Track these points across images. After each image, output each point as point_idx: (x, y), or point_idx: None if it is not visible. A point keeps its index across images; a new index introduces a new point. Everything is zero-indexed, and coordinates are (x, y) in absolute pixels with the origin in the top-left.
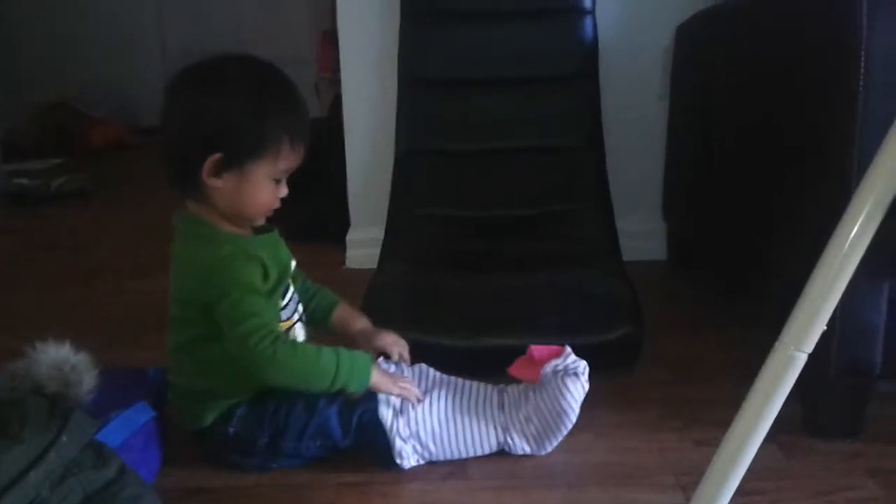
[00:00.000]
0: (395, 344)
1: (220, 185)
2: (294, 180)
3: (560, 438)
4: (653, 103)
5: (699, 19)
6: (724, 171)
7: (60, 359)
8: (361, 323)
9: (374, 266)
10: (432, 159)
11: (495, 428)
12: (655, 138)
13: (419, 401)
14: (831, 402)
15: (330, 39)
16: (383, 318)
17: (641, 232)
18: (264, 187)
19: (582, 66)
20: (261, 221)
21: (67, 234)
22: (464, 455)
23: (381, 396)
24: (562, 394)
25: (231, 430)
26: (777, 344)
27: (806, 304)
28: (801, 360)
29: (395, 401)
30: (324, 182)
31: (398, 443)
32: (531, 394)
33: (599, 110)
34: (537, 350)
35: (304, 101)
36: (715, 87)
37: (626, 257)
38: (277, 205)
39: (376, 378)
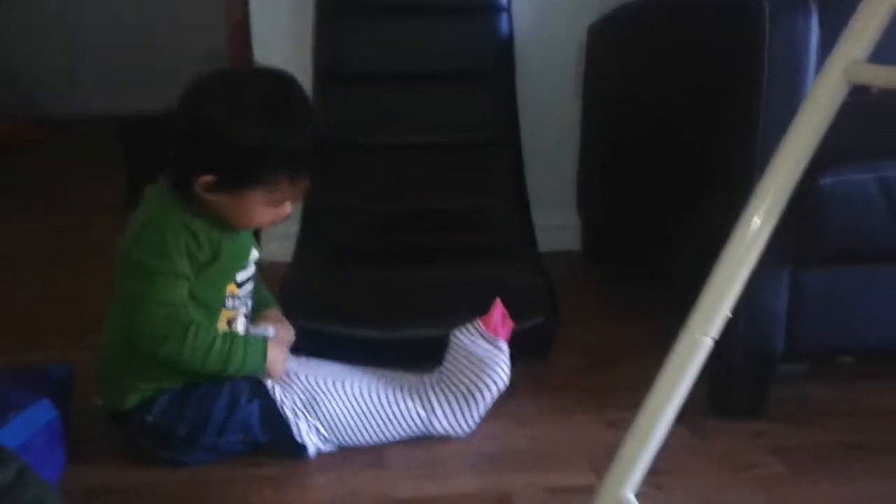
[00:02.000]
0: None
1: (213, 199)
2: None
3: (483, 408)
4: (569, 99)
5: (610, 18)
6: (634, 165)
7: None
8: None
9: (289, 259)
10: (348, 153)
11: (412, 407)
12: (571, 133)
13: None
14: (736, 385)
15: (243, 30)
16: (299, 311)
17: (557, 225)
18: (259, 210)
19: (498, 62)
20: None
21: None
22: (381, 440)
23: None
24: (490, 357)
25: (150, 418)
26: (683, 330)
27: (711, 291)
28: (707, 344)
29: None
30: None
31: (296, 426)
32: (454, 365)
33: (516, 105)
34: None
35: (317, 133)
36: (625, 85)
37: (542, 248)
38: (279, 221)
39: (270, 365)
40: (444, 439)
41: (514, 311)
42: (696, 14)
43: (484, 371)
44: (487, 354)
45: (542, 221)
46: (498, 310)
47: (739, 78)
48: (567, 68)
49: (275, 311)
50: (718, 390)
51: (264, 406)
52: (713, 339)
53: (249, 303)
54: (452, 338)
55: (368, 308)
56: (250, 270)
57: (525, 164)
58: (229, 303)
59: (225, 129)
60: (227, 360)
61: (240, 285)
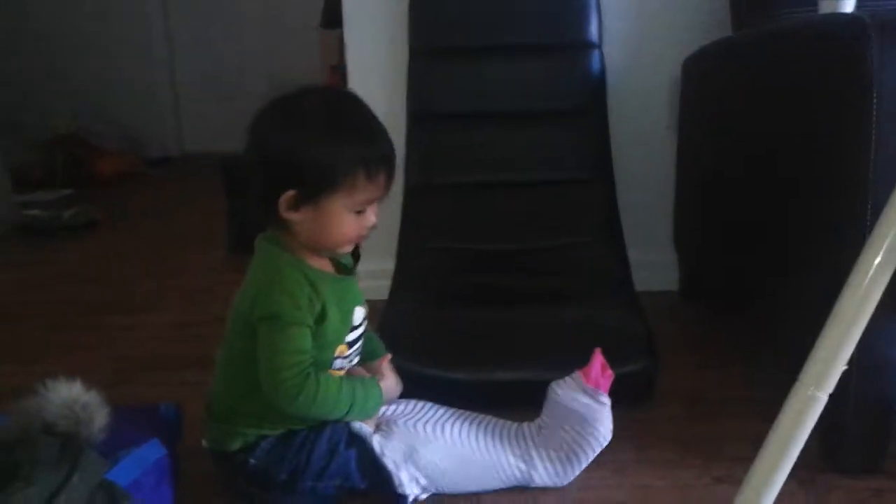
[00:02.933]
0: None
1: (298, 219)
2: None
3: (585, 463)
4: (661, 134)
5: (707, 52)
6: (732, 203)
7: (71, 397)
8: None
9: (384, 297)
10: (442, 193)
11: (512, 460)
12: (665, 168)
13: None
14: (851, 439)
15: (338, 73)
16: (395, 351)
17: (652, 262)
18: (344, 219)
19: (589, 100)
20: (346, 251)
21: (78, 267)
22: (479, 489)
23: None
24: (591, 414)
25: (252, 461)
26: (797, 385)
27: (825, 344)
28: (822, 401)
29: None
30: None
31: (394, 470)
32: (555, 420)
33: (608, 142)
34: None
35: (384, 130)
36: (724, 119)
37: (637, 288)
38: (365, 234)
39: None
40: (541, 489)
41: (611, 355)
42: (796, 46)
43: (585, 429)
44: (589, 410)
45: (638, 260)
46: (598, 361)
47: (845, 114)
48: (659, 103)
49: (387, 357)
50: (831, 445)
51: (361, 452)
52: (828, 394)
53: (357, 360)
54: (551, 392)
55: (463, 350)
56: (360, 329)
57: (619, 201)
58: (338, 363)
59: (290, 144)
60: (352, 406)
61: (350, 345)
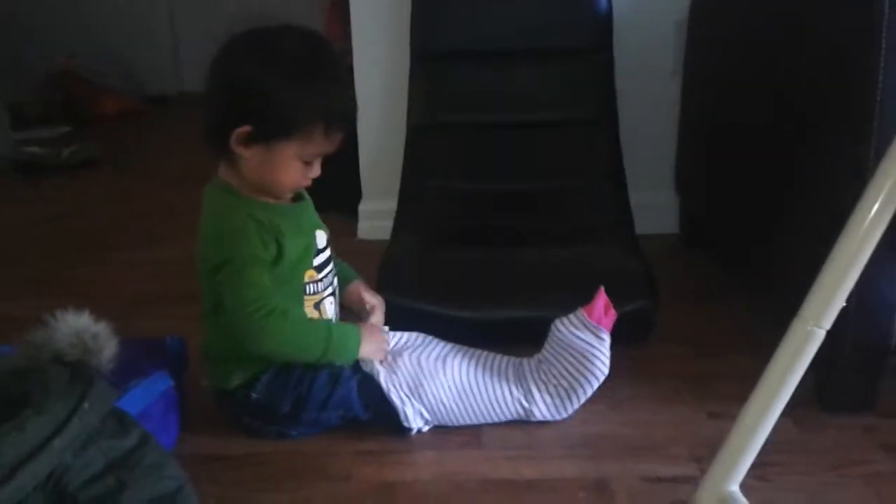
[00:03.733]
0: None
1: (247, 155)
2: None
3: (584, 398)
4: (666, 77)
5: None
6: (737, 146)
7: (80, 327)
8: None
9: (387, 237)
10: (444, 132)
11: (513, 394)
12: (668, 112)
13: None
14: (845, 377)
15: (338, 10)
16: (398, 290)
17: (654, 205)
18: (291, 166)
19: (596, 39)
20: (286, 197)
21: (79, 204)
22: (479, 422)
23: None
24: (590, 350)
25: (254, 395)
26: (795, 320)
27: (825, 280)
28: (820, 335)
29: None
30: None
31: (400, 406)
32: (555, 355)
33: (613, 84)
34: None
35: (352, 87)
36: (729, 62)
37: (638, 230)
38: (306, 183)
39: (364, 351)
40: (541, 422)
41: (612, 294)
42: None
43: (584, 364)
44: (588, 346)
45: (640, 203)
46: (601, 299)
47: (853, 56)
48: (665, 45)
49: (360, 283)
50: (825, 382)
51: (363, 383)
52: (826, 329)
53: (335, 280)
54: (554, 328)
55: (465, 288)
56: (327, 253)
57: (622, 143)
58: (311, 288)
59: (260, 79)
60: (326, 348)
61: (319, 269)
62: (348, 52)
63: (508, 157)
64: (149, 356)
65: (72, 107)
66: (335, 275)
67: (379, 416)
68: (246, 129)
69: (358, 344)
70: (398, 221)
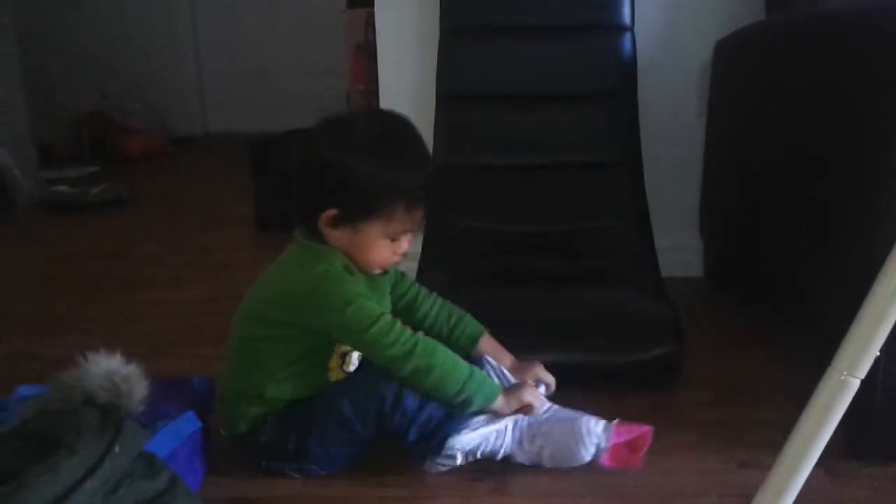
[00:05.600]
0: (547, 375)
1: (336, 236)
2: None
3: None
4: (691, 119)
5: (739, 35)
6: (762, 189)
7: (112, 369)
8: (508, 358)
9: (413, 277)
10: (470, 173)
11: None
12: (693, 155)
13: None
14: (877, 426)
15: (364, 52)
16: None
17: (678, 248)
18: (378, 244)
19: (620, 83)
20: (376, 272)
21: (106, 244)
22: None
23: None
24: (581, 438)
25: (262, 437)
26: (829, 369)
27: (859, 329)
28: (855, 385)
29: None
30: None
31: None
32: (548, 427)
33: (638, 126)
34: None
35: (429, 162)
36: (755, 105)
37: (663, 273)
38: (395, 260)
39: (501, 401)
40: (568, 469)
41: (638, 339)
42: (837, 32)
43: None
44: (578, 445)
45: (664, 245)
46: (641, 439)
47: (885, 101)
48: (690, 87)
49: (491, 341)
50: (857, 432)
51: (356, 398)
52: (861, 379)
53: None
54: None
55: (490, 331)
56: None
57: (647, 186)
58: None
59: (339, 162)
60: (469, 377)
61: None
62: (374, 93)
63: (533, 199)
64: (176, 397)
65: (100, 147)
66: None
67: (378, 430)
68: (332, 212)
69: (498, 390)
70: (423, 261)
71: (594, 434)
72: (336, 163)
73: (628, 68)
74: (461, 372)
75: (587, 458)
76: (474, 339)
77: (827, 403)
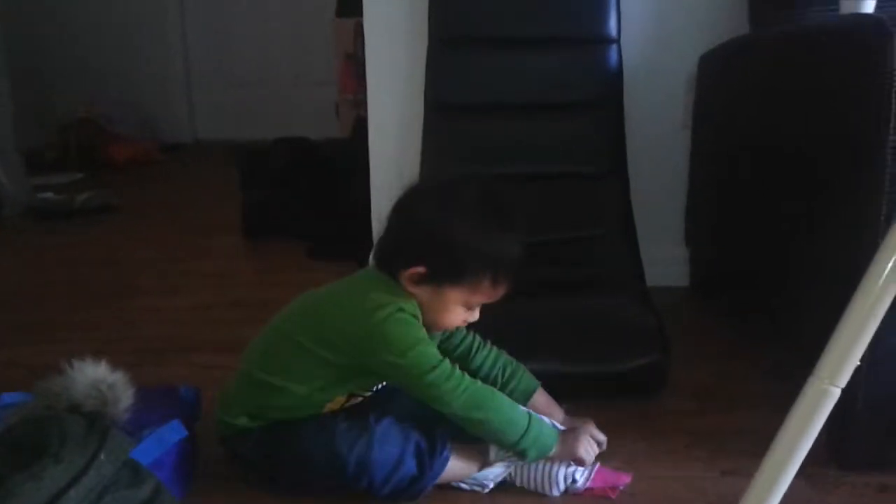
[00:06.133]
0: (599, 433)
1: (416, 292)
2: (317, 198)
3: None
4: (676, 130)
5: (723, 49)
6: (746, 199)
7: (98, 378)
8: (560, 412)
9: None
10: None
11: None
12: (678, 165)
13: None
14: (859, 435)
15: (352, 62)
16: None
17: (664, 258)
18: (454, 310)
19: (606, 94)
20: (438, 332)
21: (93, 251)
22: None
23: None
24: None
25: (244, 450)
26: (811, 378)
27: (840, 339)
28: (835, 394)
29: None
30: (346, 201)
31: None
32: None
33: (623, 137)
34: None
35: (522, 239)
36: (739, 116)
37: (648, 283)
38: (461, 325)
39: (554, 453)
40: None
41: (623, 348)
42: (816, 46)
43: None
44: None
45: (650, 255)
46: (615, 482)
47: (864, 115)
48: (675, 99)
49: (544, 395)
50: (839, 440)
51: (348, 436)
52: (841, 388)
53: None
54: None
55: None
56: None
57: (633, 196)
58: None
59: (439, 223)
60: (529, 422)
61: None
62: (362, 103)
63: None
64: (162, 405)
65: (88, 154)
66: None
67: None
68: (419, 269)
69: (554, 441)
70: None
71: (569, 480)
72: (437, 224)
73: (614, 80)
74: (519, 423)
75: (556, 495)
76: (528, 394)
77: (808, 412)
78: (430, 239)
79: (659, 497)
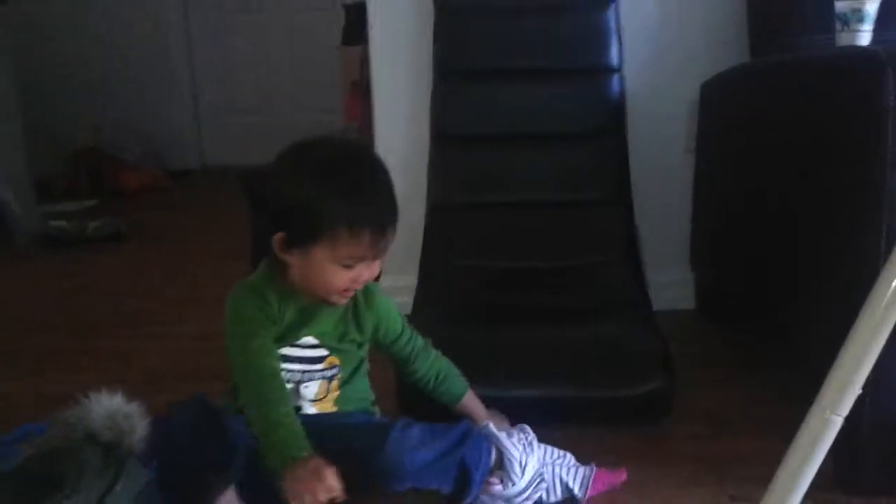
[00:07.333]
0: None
1: (289, 261)
2: None
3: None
4: (679, 156)
5: (724, 77)
6: (751, 223)
7: (114, 408)
8: (483, 411)
9: (405, 313)
10: (464, 211)
11: None
12: (683, 190)
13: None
14: (864, 460)
15: (358, 90)
16: None
17: (670, 282)
18: (328, 270)
19: (610, 122)
20: (339, 302)
21: (104, 279)
22: None
23: None
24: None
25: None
26: (813, 407)
27: (841, 368)
28: (837, 423)
29: None
30: None
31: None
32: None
33: (627, 164)
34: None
35: (385, 192)
36: (740, 143)
37: (654, 306)
38: (356, 287)
39: (290, 482)
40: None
41: (629, 373)
42: (812, 77)
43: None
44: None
45: (655, 279)
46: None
47: (860, 145)
48: (677, 126)
49: (472, 397)
50: (846, 466)
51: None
52: (843, 416)
53: (310, 383)
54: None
55: (481, 366)
56: (301, 352)
57: (638, 221)
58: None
59: (285, 185)
60: (267, 432)
61: (283, 359)
62: (368, 130)
63: (525, 237)
64: None
65: (97, 181)
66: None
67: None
68: (281, 235)
69: (285, 463)
70: (419, 298)
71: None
72: (283, 186)
73: (617, 108)
74: (268, 418)
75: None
76: (458, 397)
77: (811, 441)
78: (280, 202)
79: None
